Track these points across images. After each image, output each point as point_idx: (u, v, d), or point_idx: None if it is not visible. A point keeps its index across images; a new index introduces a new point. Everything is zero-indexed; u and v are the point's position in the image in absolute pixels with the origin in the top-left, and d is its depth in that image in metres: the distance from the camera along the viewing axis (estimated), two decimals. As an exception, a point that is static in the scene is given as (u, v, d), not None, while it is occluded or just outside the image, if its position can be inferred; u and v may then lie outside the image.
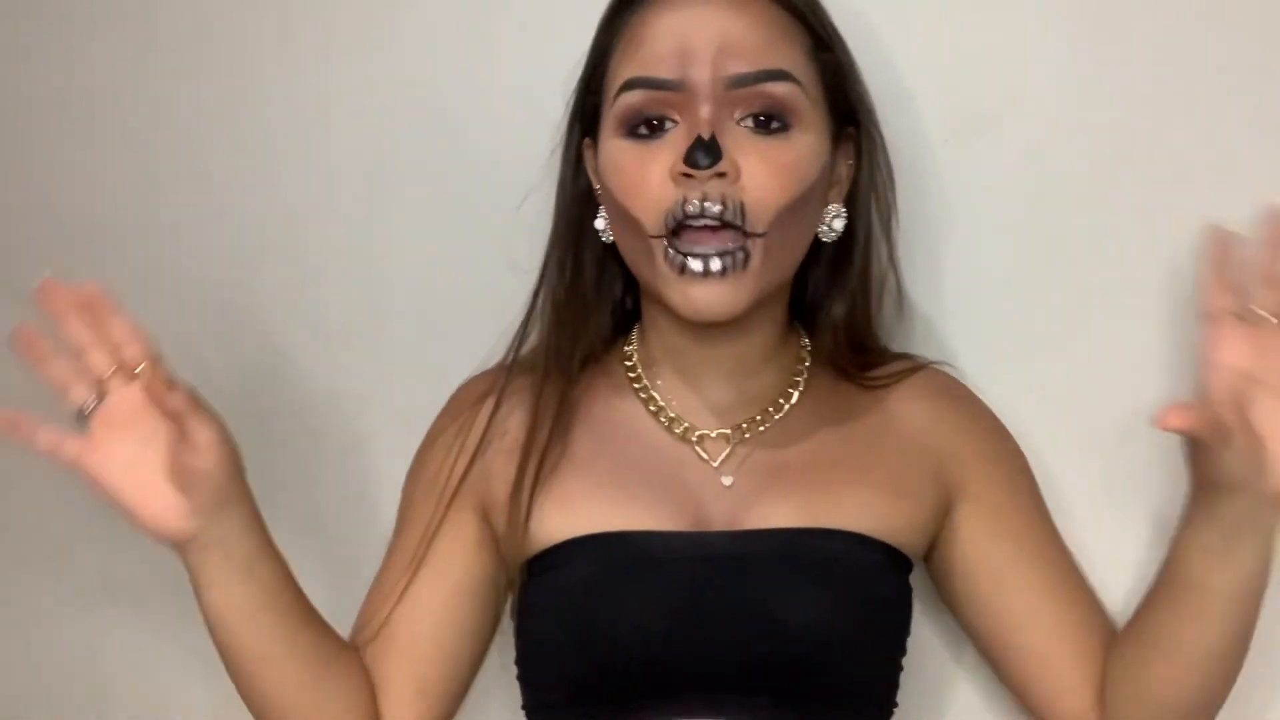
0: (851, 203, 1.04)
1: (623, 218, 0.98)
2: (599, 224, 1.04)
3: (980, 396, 1.09)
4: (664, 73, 0.95)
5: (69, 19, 1.28)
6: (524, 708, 1.06)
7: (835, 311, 1.05)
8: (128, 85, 1.27)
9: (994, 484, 1.05)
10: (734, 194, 0.93)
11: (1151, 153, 1.05)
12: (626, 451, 1.03)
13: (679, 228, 0.94)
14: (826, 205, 1.01)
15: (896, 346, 1.10)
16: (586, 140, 1.04)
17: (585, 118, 1.03)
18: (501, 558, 1.05)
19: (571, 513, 1.01)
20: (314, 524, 1.23)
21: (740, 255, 0.94)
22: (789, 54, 0.96)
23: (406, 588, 1.04)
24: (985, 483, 1.04)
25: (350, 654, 1.04)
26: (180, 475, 0.94)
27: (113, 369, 0.95)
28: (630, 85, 0.96)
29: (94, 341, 0.95)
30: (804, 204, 0.97)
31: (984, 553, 1.04)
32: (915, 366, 1.07)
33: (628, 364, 1.07)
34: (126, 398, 0.95)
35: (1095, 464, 1.09)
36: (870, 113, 1.03)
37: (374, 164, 1.21)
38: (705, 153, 0.92)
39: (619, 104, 0.97)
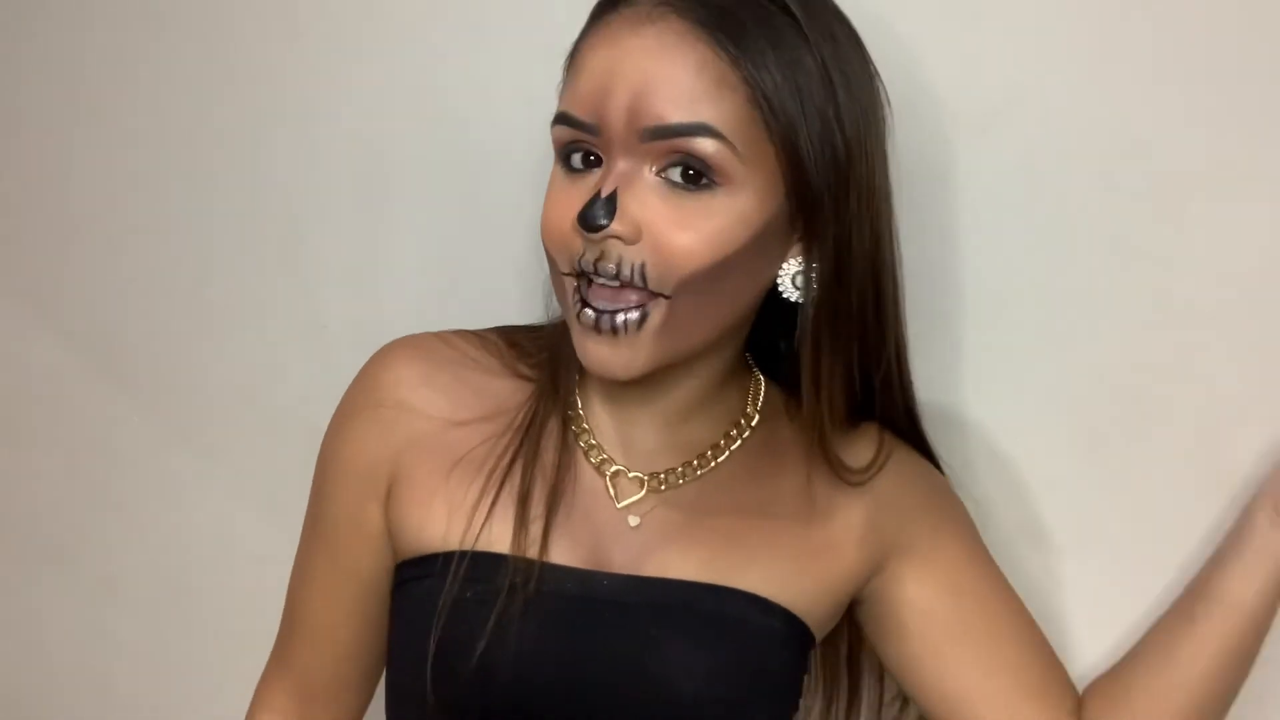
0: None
1: (544, 247, 0.92)
2: None
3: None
4: (582, 113, 0.88)
5: (70, 18, 1.28)
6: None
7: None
8: (128, 85, 1.27)
9: (944, 540, 1.01)
10: (633, 256, 0.86)
11: (1152, 153, 1.05)
12: (545, 469, 0.96)
13: (584, 275, 0.88)
14: (782, 260, 0.92)
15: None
16: None
17: None
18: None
19: (457, 522, 0.94)
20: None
21: (635, 317, 0.87)
22: (720, 105, 0.86)
23: (329, 589, 1.01)
24: (932, 539, 1.00)
25: None
26: None
27: None
28: (557, 119, 0.90)
29: None
30: (727, 268, 0.88)
31: (940, 608, 1.00)
32: (884, 449, 1.01)
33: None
34: None
35: (1096, 465, 1.09)
36: (820, 197, 0.89)
37: (374, 163, 1.21)
38: (598, 213, 0.86)
39: (552, 134, 0.91)
